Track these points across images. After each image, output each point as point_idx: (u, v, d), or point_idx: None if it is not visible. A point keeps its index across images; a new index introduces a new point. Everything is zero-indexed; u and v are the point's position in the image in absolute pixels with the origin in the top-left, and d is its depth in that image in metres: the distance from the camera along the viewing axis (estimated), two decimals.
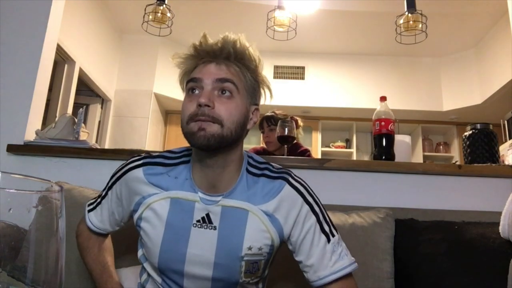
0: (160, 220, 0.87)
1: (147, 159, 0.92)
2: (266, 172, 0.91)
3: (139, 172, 0.90)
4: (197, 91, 0.84)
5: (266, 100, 0.94)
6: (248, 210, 0.86)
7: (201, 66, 0.86)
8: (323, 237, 0.87)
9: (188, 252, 0.85)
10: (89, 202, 1.02)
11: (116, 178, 0.94)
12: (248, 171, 0.90)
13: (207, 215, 0.86)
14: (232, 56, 0.85)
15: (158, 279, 0.92)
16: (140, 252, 0.96)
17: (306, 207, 0.88)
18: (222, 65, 0.85)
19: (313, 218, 0.88)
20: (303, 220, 0.87)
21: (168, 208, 0.87)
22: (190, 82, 0.86)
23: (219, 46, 0.85)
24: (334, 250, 0.87)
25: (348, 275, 0.88)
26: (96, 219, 0.98)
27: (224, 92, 0.83)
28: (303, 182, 0.91)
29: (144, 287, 0.96)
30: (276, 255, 0.94)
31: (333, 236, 0.89)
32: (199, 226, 0.85)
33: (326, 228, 0.88)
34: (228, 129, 0.82)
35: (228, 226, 0.85)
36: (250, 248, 0.85)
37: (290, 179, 0.90)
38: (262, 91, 0.93)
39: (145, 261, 0.95)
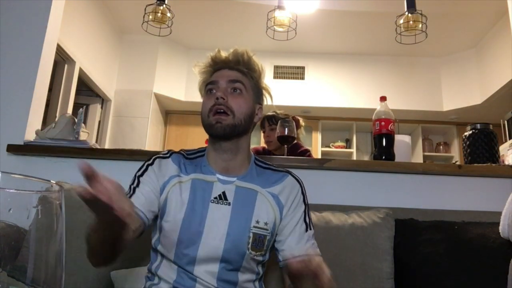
0: (184, 196, 1.00)
1: (171, 151, 1.09)
2: (271, 167, 1.11)
3: (167, 159, 1.06)
4: (214, 91, 1.03)
5: (267, 102, 1.14)
6: (257, 191, 1.03)
7: (217, 72, 1.06)
8: (304, 225, 1.04)
9: (206, 223, 0.97)
10: None
11: (146, 166, 1.05)
12: (256, 164, 1.10)
13: (223, 193, 1.01)
14: (241, 63, 1.06)
15: (171, 257, 0.97)
16: (155, 238, 1.03)
17: (301, 196, 1.07)
18: (233, 70, 1.06)
19: (303, 207, 1.06)
20: (296, 205, 1.04)
21: (191, 187, 1.02)
22: (208, 85, 1.06)
23: (231, 56, 1.06)
24: (309, 239, 1.03)
25: None
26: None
27: (235, 90, 1.03)
28: (300, 179, 1.11)
29: (156, 273, 0.99)
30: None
31: (311, 229, 1.05)
32: (216, 202, 1.00)
33: (307, 220, 1.05)
34: (238, 118, 1.01)
35: (240, 202, 1.01)
36: (257, 222, 1.00)
37: (292, 173, 1.11)
38: (264, 95, 1.12)
39: (158, 245, 1.01)
